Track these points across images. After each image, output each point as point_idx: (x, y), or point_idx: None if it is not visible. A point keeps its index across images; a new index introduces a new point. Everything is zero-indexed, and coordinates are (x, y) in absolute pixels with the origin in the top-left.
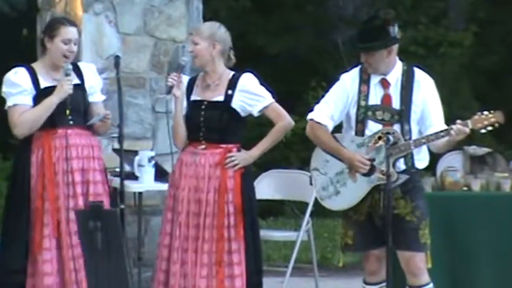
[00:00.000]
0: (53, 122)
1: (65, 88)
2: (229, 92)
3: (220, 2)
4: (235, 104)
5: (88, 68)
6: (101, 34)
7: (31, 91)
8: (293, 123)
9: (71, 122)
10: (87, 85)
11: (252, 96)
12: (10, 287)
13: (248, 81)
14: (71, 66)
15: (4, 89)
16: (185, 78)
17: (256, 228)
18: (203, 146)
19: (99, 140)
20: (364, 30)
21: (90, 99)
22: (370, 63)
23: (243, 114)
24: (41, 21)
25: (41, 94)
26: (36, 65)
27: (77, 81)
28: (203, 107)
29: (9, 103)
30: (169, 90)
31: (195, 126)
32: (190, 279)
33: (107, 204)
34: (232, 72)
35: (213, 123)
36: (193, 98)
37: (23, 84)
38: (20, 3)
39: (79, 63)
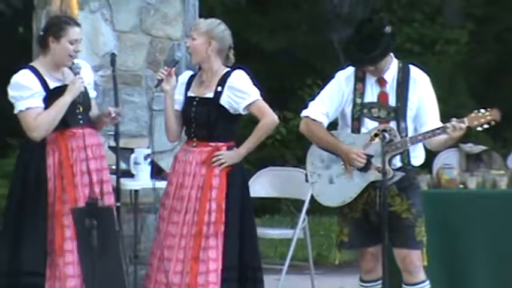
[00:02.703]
0: (66, 122)
1: (77, 86)
2: (219, 88)
3: None
4: (224, 100)
5: (84, 66)
6: (97, 32)
7: (41, 93)
8: (277, 120)
9: (81, 122)
10: (86, 82)
11: (238, 93)
12: None
13: (237, 78)
14: (80, 65)
15: (13, 93)
16: (187, 74)
17: (249, 225)
18: (194, 144)
19: None
20: (362, 39)
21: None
22: (372, 69)
23: (231, 111)
24: (37, 19)
25: (51, 95)
26: (37, 65)
27: (86, 79)
28: (194, 103)
29: (21, 107)
30: (158, 83)
31: (188, 122)
32: (167, 275)
33: (112, 203)
34: (227, 69)
35: (201, 119)
36: (188, 94)
37: (33, 87)
38: (16, 1)
39: (75, 61)
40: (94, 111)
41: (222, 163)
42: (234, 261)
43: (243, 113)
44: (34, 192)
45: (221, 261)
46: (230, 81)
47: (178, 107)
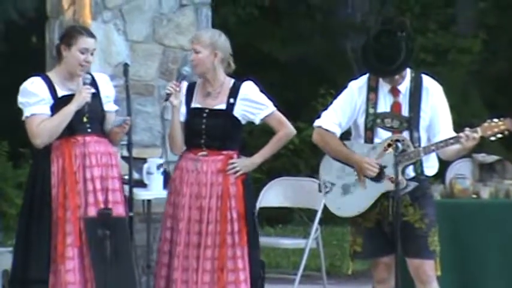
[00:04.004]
0: (72, 130)
1: (83, 95)
2: (231, 100)
3: (228, 9)
4: (237, 112)
5: (102, 78)
6: (110, 42)
7: (49, 100)
8: (294, 131)
9: (89, 130)
10: (102, 94)
11: (254, 104)
12: None
13: (250, 89)
14: (89, 76)
15: (21, 99)
16: (184, 85)
17: (256, 235)
18: (204, 153)
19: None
20: (381, 48)
21: (105, 108)
22: (388, 80)
23: (243, 122)
24: (50, 29)
25: (59, 103)
26: (51, 74)
27: (93, 90)
28: (205, 114)
29: (26, 113)
30: (166, 97)
31: (196, 133)
32: (191, 286)
33: (123, 213)
34: (233, 80)
35: (215, 130)
36: (193, 105)
37: (40, 94)
38: (29, 11)
39: (93, 74)
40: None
41: (237, 171)
42: (259, 271)
43: (257, 123)
44: (40, 199)
45: (248, 272)
46: (243, 93)
47: (181, 118)
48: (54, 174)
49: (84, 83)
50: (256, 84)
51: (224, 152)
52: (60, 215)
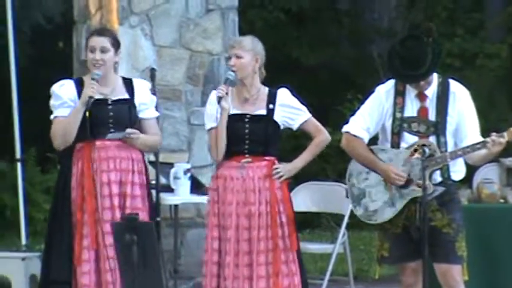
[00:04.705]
0: (95, 133)
1: (85, 91)
2: (270, 106)
3: (255, 14)
4: (277, 118)
5: (141, 85)
6: (137, 47)
7: (73, 104)
8: (330, 138)
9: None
10: (137, 101)
11: (292, 110)
12: None
13: (287, 96)
14: (100, 73)
15: (51, 101)
16: (213, 93)
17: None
18: (249, 160)
19: (142, 154)
20: (407, 54)
21: (141, 115)
22: (417, 86)
23: (282, 127)
24: (77, 34)
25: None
26: (86, 78)
27: (125, 96)
28: (246, 120)
29: (52, 115)
30: (218, 100)
31: (239, 139)
32: None
33: (144, 219)
34: (266, 87)
35: (258, 136)
36: (232, 111)
37: (64, 97)
38: (56, 16)
39: (133, 79)
40: (149, 131)
41: (281, 176)
42: (305, 275)
43: (295, 129)
44: (62, 201)
45: (300, 276)
46: (281, 99)
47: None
48: (74, 177)
49: (92, 79)
50: (290, 91)
51: (267, 158)
52: (78, 218)
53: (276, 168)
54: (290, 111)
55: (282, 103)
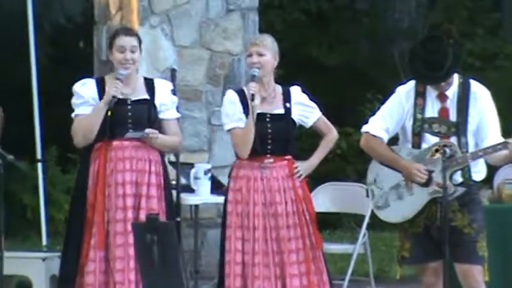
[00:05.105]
0: (113, 133)
1: (108, 90)
2: (287, 104)
3: (275, 14)
4: (294, 116)
5: (162, 86)
6: (157, 47)
7: (94, 102)
8: (337, 135)
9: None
10: (157, 101)
11: (307, 108)
12: None
13: (300, 94)
14: (125, 73)
15: (72, 100)
16: (232, 92)
17: None
18: (271, 160)
19: (161, 155)
20: (428, 55)
21: (161, 116)
22: (438, 87)
23: (297, 125)
24: (97, 34)
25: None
26: (107, 78)
27: (145, 96)
28: (267, 119)
29: (73, 113)
30: (252, 98)
31: (262, 139)
32: None
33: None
34: (279, 85)
35: (280, 135)
36: None
37: (86, 95)
38: (76, 15)
39: (155, 80)
40: (169, 132)
41: (300, 175)
42: (330, 273)
43: (307, 127)
44: (78, 200)
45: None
46: (295, 97)
47: (243, 125)
48: (91, 176)
49: (117, 78)
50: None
51: (287, 157)
52: (89, 216)
53: (296, 167)
54: (304, 109)
55: (296, 101)
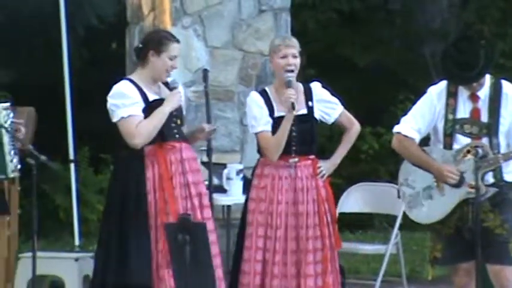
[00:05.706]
0: (163, 135)
1: (177, 98)
2: (310, 103)
3: (307, 14)
4: (317, 114)
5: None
6: (189, 47)
7: (141, 103)
8: (360, 128)
9: (177, 136)
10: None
11: (328, 104)
12: None
13: (321, 90)
14: (177, 81)
15: (114, 101)
16: (256, 94)
17: None
18: (296, 159)
19: None
20: (460, 55)
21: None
22: (470, 87)
23: (319, 123)
24: (130, 34)
25: (150, 107)
26: (135, 78)
27: (182, 94)
28: (292, 121)
29: (123, 114)
30: (292, 106)
31: (287, 141)
32: None
33: (210, 216)
34: (299, 83)
35: (305, 136)
36: (277, 114)
37: (134, 96)
38: (109, 16)
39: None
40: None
41: (323, 175)
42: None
43: (330, 123)
44: (135, 205)
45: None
46: (317, 94)
47: (269, 128)
48: (149, 180)
49: (174, 87)
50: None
51: (310, 157)
52: (161, 220)
53: (320, 167)
54: (326, 105)
55: (318, 98)
